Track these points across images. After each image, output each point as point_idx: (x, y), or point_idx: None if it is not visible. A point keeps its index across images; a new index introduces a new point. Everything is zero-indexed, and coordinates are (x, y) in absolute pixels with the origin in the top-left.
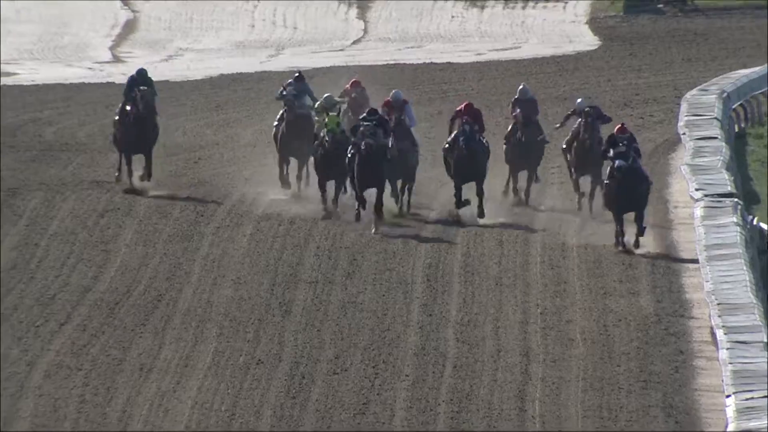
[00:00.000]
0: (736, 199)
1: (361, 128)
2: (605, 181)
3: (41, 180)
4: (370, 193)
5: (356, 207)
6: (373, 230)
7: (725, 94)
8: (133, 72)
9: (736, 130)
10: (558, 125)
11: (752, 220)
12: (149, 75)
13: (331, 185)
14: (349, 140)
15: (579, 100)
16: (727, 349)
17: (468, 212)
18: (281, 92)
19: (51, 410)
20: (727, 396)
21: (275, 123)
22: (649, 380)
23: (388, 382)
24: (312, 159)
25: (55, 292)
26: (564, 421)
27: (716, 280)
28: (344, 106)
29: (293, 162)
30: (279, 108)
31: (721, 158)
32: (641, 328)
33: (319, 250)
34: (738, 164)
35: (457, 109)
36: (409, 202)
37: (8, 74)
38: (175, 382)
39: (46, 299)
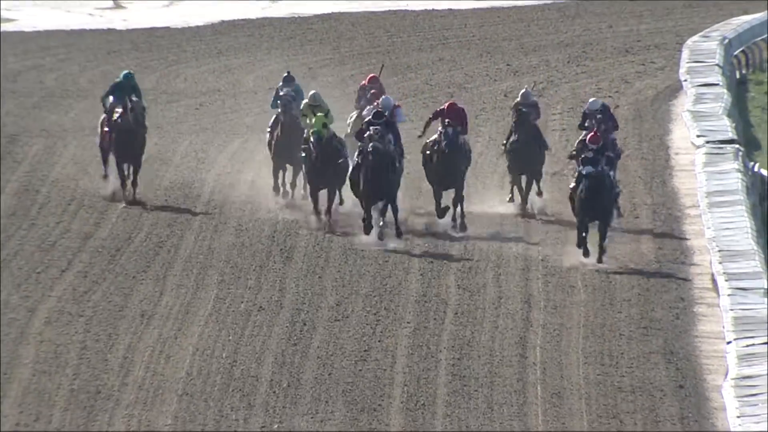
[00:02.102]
0: (737, 146)
1: (369, 132)
2: (570, 186)
3: (42, 126)
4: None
5: (363, 220)
6: (379, 239)
7: (726, 41)
8: (119, 77)
9: (738, 76)
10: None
11: (753, 166)
12: (135, 81)
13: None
14: (341, 143)
15: (591, 100)
16: (728, 295)
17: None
18: (275, 98)
19: (52, 356)
20: (728, 342)
21: (268, 129)
22: (650, 327)
23: (390, 329)
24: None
25: (56, 239)
26: (565, 368)
27: (717, 227)
28: (352, 119)
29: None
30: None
31: (723, 105)
32: (642, 274)
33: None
34: (739, 111)
35: (439, 108)
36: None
37: (8, 20)
38: (176, 328)
39: (47, 246)
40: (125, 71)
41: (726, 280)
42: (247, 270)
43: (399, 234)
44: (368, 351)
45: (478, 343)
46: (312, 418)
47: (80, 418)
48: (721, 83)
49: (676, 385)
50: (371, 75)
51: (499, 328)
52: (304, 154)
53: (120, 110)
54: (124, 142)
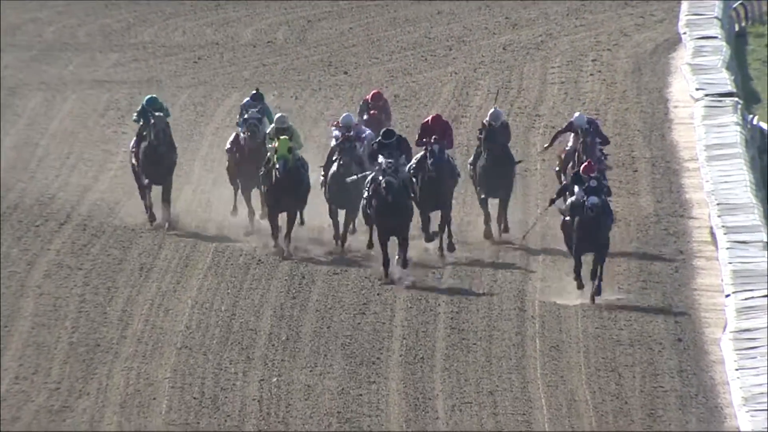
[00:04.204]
0: (736, 99)
1: (382, 165)
2: (565, 218)
3: (41, 79)
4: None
5: (382, 264)
6: (385, 279)
7: None
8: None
9: (737, 29)
10: (546, 146)
11: (752, 119)
12: (160, 102)
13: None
14: (305, 166)
15: (576, 115)
16: (727, 248)
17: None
18: (241, 117)
19: (51, 309)
20: (727, 295)
21: (227, 147)
22: (649, 280)
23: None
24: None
25: (55, 192)
26: (563, 321)
27: (716, 180)
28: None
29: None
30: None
31: (722, 58)
32: (641, 228)
33: (318, 150)
34: (738, 64)
35: (424, 121)
36: (346, 231)
37: None
38: (175, 281)
39: (45, 199)
40: (148, 96)
41: (725, 234)
42: (246, 223)
43: (405, 264)
44: (367, 304)
45: (477, 297)
46: (311, 371)
47: (79, 371)
48: (720, 36)
49: (674, 338)
50: (375, 91)
51: (498, 281)
52: (262, 174)
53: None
54: (149, 159)
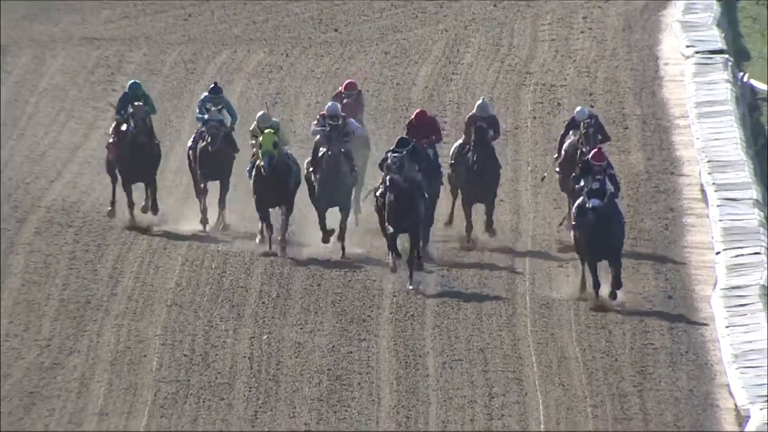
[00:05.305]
0: (726, 56)
1: (388, 161)
2: (572, 222)
3: (31, 36)
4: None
5: (389, 257)
6: (409, 285)
7: None
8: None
9: None
10: (555, 156)
11: (742, 77)
12: (143, 89)
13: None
14: (293, 159)
15: (578, 109)
16: (717, 206)
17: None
18: (202, 113)
19: (42, 266)
20: (717, 253)
21: (190, 144)
22: (639, 237)
23: (379, 246)
24: (252, 185)
25: (45, 149)
26: (553, 278)
27: (706, 138)
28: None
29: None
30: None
31: (712, 15)
32: (631, 185)
33: (309, 108)
34: (728, 21)
35: (408, 121)
36: (342, 232)
37: None
38: (165, 239)
39: (36, 156)
40: (131, 81)
41: (715, 191)
42: (238, 180)
43: (419, 266)
44: (357, 261)
45: (467, 254)
46: (301, 328)
47: (70, 328)
48: None
49: (665, 295)
50: (349, 81)
51: (489, 240)
52: (248, 169)
53: (126, 126)
54: (127, 155)
